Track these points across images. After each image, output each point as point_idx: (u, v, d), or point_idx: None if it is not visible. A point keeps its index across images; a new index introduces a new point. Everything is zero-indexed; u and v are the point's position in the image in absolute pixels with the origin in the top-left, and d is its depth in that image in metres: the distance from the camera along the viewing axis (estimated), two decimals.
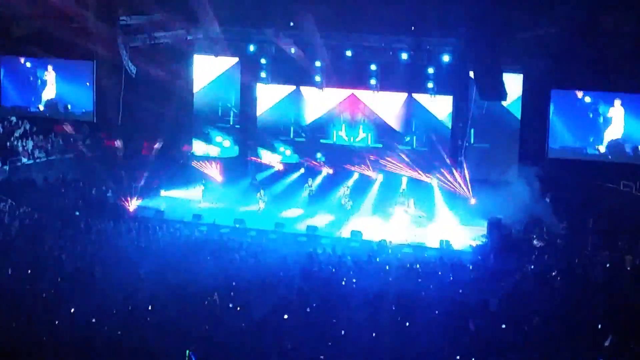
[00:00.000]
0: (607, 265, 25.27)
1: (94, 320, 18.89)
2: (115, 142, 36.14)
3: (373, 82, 34.25)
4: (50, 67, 36.48)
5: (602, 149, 31.81)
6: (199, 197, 34.94)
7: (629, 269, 25.10)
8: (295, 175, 35.66)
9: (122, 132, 35.81)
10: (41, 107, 36.95)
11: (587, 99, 31.97)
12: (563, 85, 31.85)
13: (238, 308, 20.22)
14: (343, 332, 18.94)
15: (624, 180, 30.74)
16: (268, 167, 36.19)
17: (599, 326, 19.41)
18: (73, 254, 24.42)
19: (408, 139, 34.91)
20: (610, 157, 31.66)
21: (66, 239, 26.16)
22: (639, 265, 25.14)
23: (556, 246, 27.50)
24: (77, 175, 35.23)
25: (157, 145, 35.91)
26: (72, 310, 19.35)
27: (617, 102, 31.43)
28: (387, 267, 24.95)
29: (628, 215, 28.84)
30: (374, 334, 18.84)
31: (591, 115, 31.94)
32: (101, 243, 26.15)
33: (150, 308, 19.84)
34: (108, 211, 31.15)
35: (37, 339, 17.87)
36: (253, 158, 36.38)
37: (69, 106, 36.47)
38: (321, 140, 35.97)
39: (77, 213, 29.52)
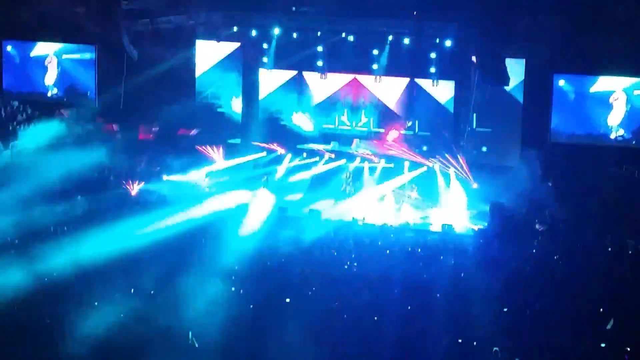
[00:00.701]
0: (609, 249, 25.29)
1: (96, 303, 18.99)
2: (113, 126, 36.07)
3: (375, 67, 34.27)
4: (51, 52, 36.32)
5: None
6: (205, 182, 34.96)
7: (630, 253, 25.12)
8: (298, 160, 35.63)
9: (124, 116, 35.74)
10: (48, 92, 36.75)
11: (589, 84, 31.87)
12: (565, 70, 31.78)
13: (241, 291, 20.28)
14: (345, 315, 19.00)
15: (627, 164, 30.71)
16: (271, 151, 36.16)
17: (601, 310, 19.45)
18: (75, 238, 24.44)
19: (410, 123, 34.91)
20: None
21: (69, 222, 26.13)
22: None
23: (558, 231, 27.47)
24: (81, 159, 35.17)
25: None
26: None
27: (619, 88, 31.33)
28: (388, 251, 24.98)
29: (630, 200, 28.83)
30: (375, 318, 18.88)
31: (594, 101, 31.83)
32: (103, 227, 26.09)
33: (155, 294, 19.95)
34: (110, 195, 31.09)
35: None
36: (255, 142, 36.36)
37: (73, 89, 36.30)
38: (323, 125, 36.00)
39: (79, 197, 29.40)
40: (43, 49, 36.15)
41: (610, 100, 31.60)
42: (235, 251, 23.80)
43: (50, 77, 36.57)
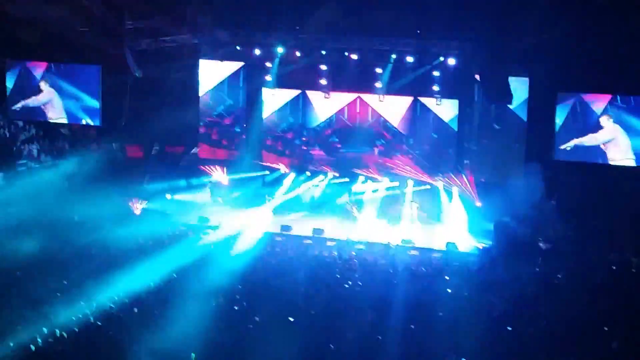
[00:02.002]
0: (613, 267, 25.26)
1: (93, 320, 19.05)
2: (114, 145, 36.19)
3: (379, 85, 34.33)
4: (51, 82, 36.13)
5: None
6: (208, 201, 35.00)
7: (634, 271, 25.09)
8: (301, 178, 35.67)
9: (127, 135, 35.80)
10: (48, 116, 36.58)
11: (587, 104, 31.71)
12: (569, 88, 31.75)
13: (245, 310, 20.27)
14: (348, 335, 18.95)
15: (632, 181, 30.63)
16: (274, 170, 36.22)
17: (605, 329, 19.40)
18: (79, 256, 24.49)
19: (413, 142, 34.90)
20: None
21: (70, 241, 26.14)
22: None
23: (562, 249, 27.44)
24: (85, 178, 35.24)
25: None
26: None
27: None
28: (391, 271, 24.98)
29: (635, 217, 28.78)
30: (379, 337, 18.84)
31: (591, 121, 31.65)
32: (107, 246, 26.08)
33: (155, 312, 19.92)
34: (114, 214, 31.09)
35: None
36: (258, 161, 36.44)
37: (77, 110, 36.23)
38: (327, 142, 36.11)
39: (76, 218, 29.42)
40: (46, 70, 35.99)
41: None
42: (240, 271, 23.82)
43: (52, 99, 36.32)
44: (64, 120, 35.83)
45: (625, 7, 29.08)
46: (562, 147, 31.30)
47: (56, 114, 35.76)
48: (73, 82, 35.20)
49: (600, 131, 30.98)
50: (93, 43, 32.57)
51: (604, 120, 30.88)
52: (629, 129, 30.62)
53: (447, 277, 24.34)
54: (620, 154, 30.75)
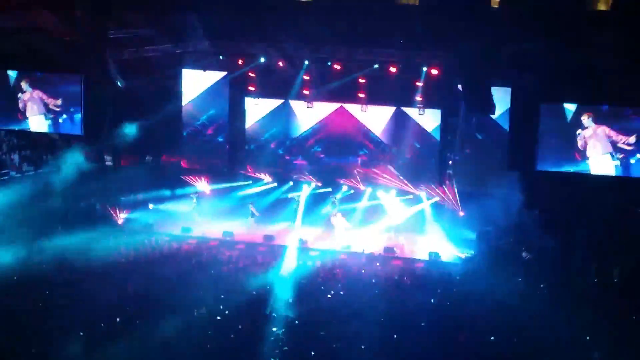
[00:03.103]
0: (595, 278, 25.37)
1: (81, 334, 18.87)
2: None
3: (362, 95, 34.36)
4: (31, 83, 35.87)
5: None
6: (191, 210, 34.93)
7: (616, 281, 25.20)
8: (285, 188, 35.67)
9: (110, 145, 35.64)
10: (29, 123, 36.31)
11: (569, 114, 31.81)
12: (552, 99, 31.84)
13: (226, 321, 20.23)
14: (333, 345, 18.95)
15: (613, 192, 30.75)
16: (257, 179, 36.20)
17: (587, 338, 19.47)
18: (60, 268, 24.36)
19: (396, 151, 34.93)
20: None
21: (54, 252, 26.03)
22: (627, 278, 25.22)
23: (545, 259, 27.54)
24: (66, 189, 35.12)
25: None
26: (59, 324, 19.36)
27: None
28: (375, 280, 25.01)
29: (616, 228, 28.92)
30: (362, 347, 18.84)
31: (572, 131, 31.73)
32: (89, 256, 26.01)
33: (137, 322, 19.84)
34: (96, 224, 31.01)
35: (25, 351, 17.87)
36: (241, 171, 36.43)
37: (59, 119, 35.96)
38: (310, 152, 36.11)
39: (59, 227, 29.35)
40: (27, 80, 35.74)
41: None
42: (222, 281, 23.82)
43: (34, 108, 36.09)
44: (45, 130, 35.61)
45: (607, 18, 29.26)
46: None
47: (37, 122, 35.53)
48: (55, 92, 34.98)
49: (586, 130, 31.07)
50: (75, 52, 32.42)
51: (586, 119, 30.96)
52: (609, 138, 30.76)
53: (428, 285, 24.41)
54: (600, 149, 30.87)
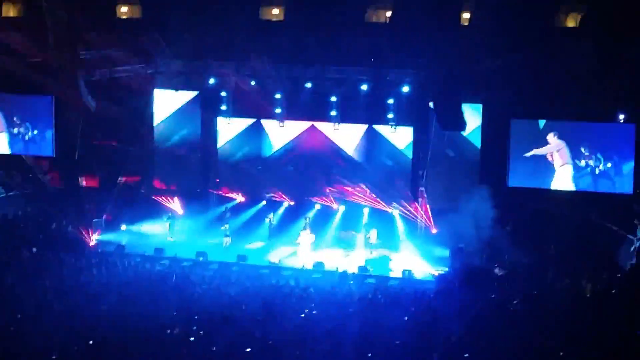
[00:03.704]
0: (567, 293, 25.45)
1: (54, 357, 18.70)
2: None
3: (333, 113, 34.40)
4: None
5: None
6: (164, 231, 34.80)
7: (588, 296, 25.30)
8: (257, 208, 35.63)
9: (81, 166, 35.46)
10: None
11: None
12: (522, 115, 32.02)
13: (200, 342, 20.12)
14: None
15: (584, 208, 30.94)
16: (230, 199, 36.15)
17: (561, 354, 19.51)
18: (32, 290, 24.17)
19: (368, 169, 34.96)
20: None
21: (26, 274, 25.86)
22: (598, 293, 25.32)
23: (517, 275, 27.63)
24: (37, 210, 34.97)
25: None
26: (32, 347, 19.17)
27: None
28: (348, 299, 24.96)
29: (587, 243, 29.11)
30: None
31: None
32: (61, 278, 25.86)
33: (110, 344, 19.69)
34: (68, 246, 30.81)
35: None
36: (214, 191, 36.37)
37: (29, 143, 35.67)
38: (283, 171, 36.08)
39: (34, 249, 29.16)
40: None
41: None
42: (196, 300, 23.71)
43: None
44: (8, 151, 35.44)
45: (577, 35, 29.54)
46: (525, 154, 31.56)
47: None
48: (25, 113, 34.85)
49: (548, 145, 31.34)
50: (46, 74, 32.30)
51: (551, 137, 31.23)
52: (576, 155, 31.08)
53: (402, 303, 24.38)
54: (563, 159, 31.14)
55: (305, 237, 32.77)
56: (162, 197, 36.00)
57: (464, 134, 32.27)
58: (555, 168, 31.27)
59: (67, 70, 31.46)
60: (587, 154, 30.94)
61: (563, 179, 31.26)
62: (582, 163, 30.94)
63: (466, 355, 19.55)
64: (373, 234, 33.29)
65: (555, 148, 31.29)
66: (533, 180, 31.79)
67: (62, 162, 35.65)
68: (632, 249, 28.78)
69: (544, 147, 31.43)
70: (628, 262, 27.89)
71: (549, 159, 31.29)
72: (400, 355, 19.45)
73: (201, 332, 20.60)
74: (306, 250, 32.32)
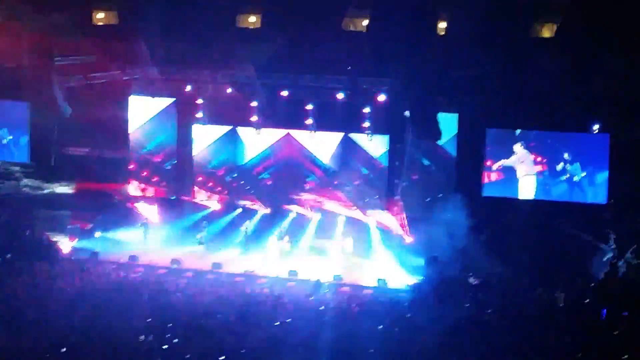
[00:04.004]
0: (541, 302, 25.56)
1: None
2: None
3: (309, 121, 34.42)
4: None
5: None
6: (139, 239, 34.69)
7: (561, 305, 25.42)
8: (233, 215, 35.59)
9: (57, 173, 35.31)
10: None
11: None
12: (498, 125, 32.17)
13: (173, 350, 20.05)
14: None
15: (557, 217, 31.09)
16: (204, 207, 36.09)
17: None
18: (4, 297, 24.02)
19: (344, 177, 34.99)
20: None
21: None
22: (572, 302, 25.44)
23: (491, 284, 27.70)
24: (11, 216, 34.73)
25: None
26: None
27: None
28: (322, 307, 24.95)
29: (561, 253, 29.25)
30: None
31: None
32: (34, 285, 25.71)
33: (83, 351, 19.60)
34: (42, 253, 30.63)
35: None
36: (189, 198, 36.28)
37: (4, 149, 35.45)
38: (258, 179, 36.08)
39: (9, 255, 28.99)
40: None
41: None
42: (170, 308, 23.61)
43: None
44: None
45: (553, 45, 29.68)
46: (494, 167, 31.85)
47: None
48: (0, 119, 34.67)
49: (514, 156, 31.67)
50: (21, 79, 32.16)
51: (517, 147, 31.52)
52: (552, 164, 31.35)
53: (376, 312, 24.40)
54: (526, 170, 31.48)
55: (278, 245, 32.78)
56: (137, 204, 35.87)
57: (440, 143, 32.37)
58: (517, 177, 31.58)
59: (43, 77, 31.33)
60: (562, 163, 31.18)
61: (526, 189, 31.60)
62: (560, 166, 31.25)
63: None
64: (348, 243, 33.32)
65: (521, 159, 31.60)
66: (506, 190, 31.99)
67: (37, 169, 35.47)
68: (605, 258, 28.99)
69: (510, 158, 31.78)
70: (601, 272, 28.03)
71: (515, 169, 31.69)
72: None
73: (175, 341, 20.53)
74: (278, 258, 32.30)
